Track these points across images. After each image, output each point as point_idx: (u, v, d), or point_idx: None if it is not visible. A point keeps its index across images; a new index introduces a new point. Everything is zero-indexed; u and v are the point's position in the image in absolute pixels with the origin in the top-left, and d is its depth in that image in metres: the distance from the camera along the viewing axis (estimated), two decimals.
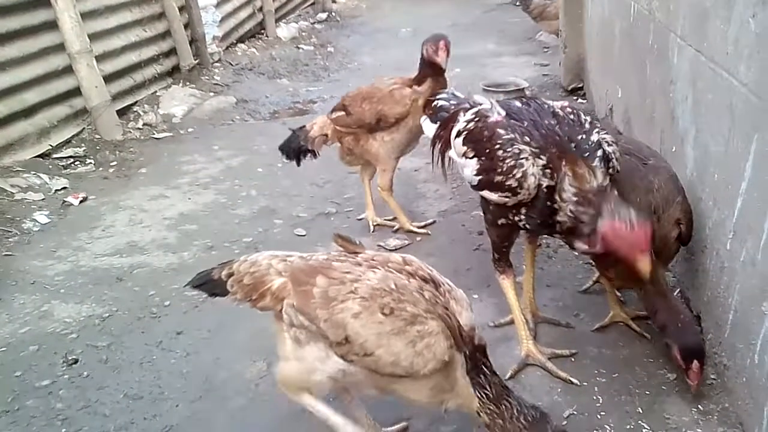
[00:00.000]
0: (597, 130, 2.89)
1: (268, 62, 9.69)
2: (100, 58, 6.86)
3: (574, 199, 2.75)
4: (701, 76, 3.13)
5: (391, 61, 9.62)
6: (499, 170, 2.90)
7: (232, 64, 9.37)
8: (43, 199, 5.44)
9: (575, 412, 2.93)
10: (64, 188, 5.65)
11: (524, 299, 3.52)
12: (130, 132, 7.01)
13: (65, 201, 5.41)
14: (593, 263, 3.45)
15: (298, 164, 4.72)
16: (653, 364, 3.18)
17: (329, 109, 4.64)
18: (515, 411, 2.32)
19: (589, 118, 2.98)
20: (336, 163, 4.84)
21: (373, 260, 2.45)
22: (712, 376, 3.02)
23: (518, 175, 2.83)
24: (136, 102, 7.50)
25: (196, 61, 8.61)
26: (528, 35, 10.28)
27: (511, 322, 3.39)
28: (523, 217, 2.98)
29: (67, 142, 6.41)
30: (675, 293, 3.50)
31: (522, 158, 2.82)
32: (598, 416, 2.90)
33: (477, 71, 8.46)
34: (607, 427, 2.84)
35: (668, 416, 2.86)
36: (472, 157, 3.07)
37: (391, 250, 4.35)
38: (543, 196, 2.84)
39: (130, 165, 6.25)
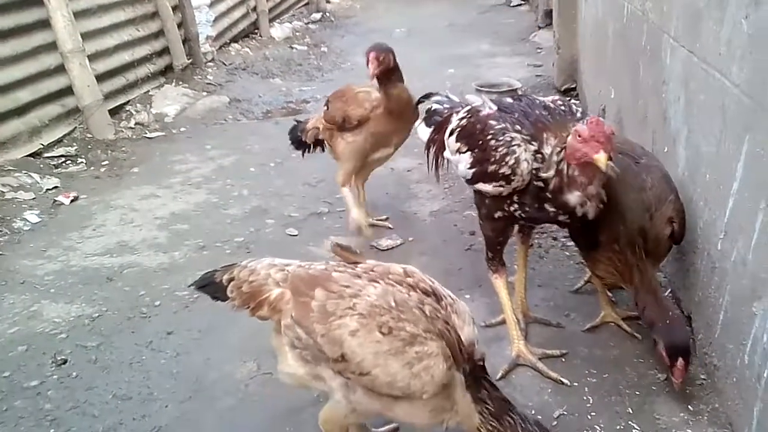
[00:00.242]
0: (588, 116, 2.90)
1: (262, 62, 9.66)
2: (93, 57, 6.82)
3: (558, 149, 2.76)
4: (694, 77, 3.13)
5: None
6: (492, 159, 2.91)
7: (225, 64, 9.35)
8: (33, 198, 5.41)
9: (565, 413, 2.93)
10: (56, 187, 5.62)
11: (516, 299, 3.51)
12: (123, 131, 6.98)
13: (56, 200, 5.38)
14: (585, 262, 3.45)
15: (303, 155, 4.88)
16: (644, 364, 3.17)
17: (322, 110, 4.63)
18: (519, 428, 2.27)
19: (580, 109, 3.01)
20: (329, 163, 4.83)
21: (373, 271, 2.39)
22: (703, 377, 3.02)
23: (511, 162, 2.84)
24: (128, 101, 7.46)
25: (189, 60, 8.58)
26: (522, 36, 10.28)
27: (503, 322, 3.39)
28: (517, 206, 2.98)
29: (58, 141, 6.38)
30: (666, 293, 3.51)
31: (514, 145, 2.84)
32: (589, 416, 2.89)
33: (471, 72, 8.45)
34: (598, 427, 2.83)
35: (658, 416, 2.86)
36: (465, 152, 3.09)
37: (383, 250, 4.35)
38: (535, 180, 2.85)
39: (121, 164, 6.22)
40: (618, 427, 2.82)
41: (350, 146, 4.31)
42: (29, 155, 6.02)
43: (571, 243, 3.87)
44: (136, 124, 7.18)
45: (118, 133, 6.91)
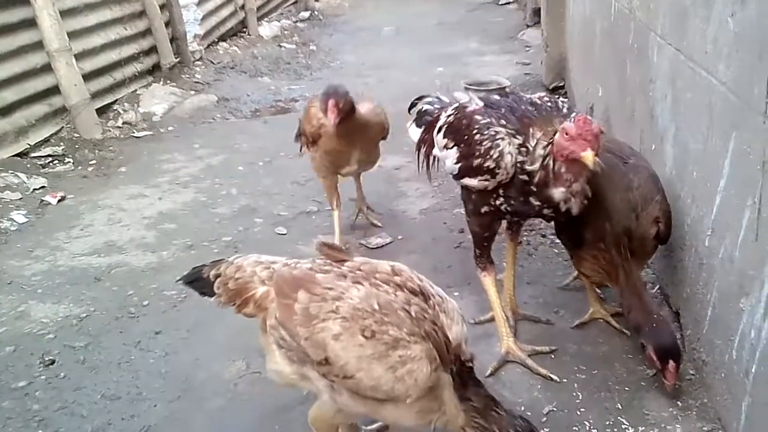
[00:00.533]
0: (575, 113, 2.91)
1: (250, 60, 9.63)
2: (80, 56, 6.78)
3: (543, 143, 2.78)
4: (681, 75, 3.14)
5: (374, 59, 9.62)
6: (477, 153, 2.93)
7: (213, 63, 9.32)
8: (20, 198, 5.37)
9: (555, 409, 2.94)
10: (42, 187, 5.58)
11: (505, 296, 3.52)
12: (110, 131, 6.94)
13: (43, 200, 5.35)
14: (572, 259, 3.45)
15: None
16: (632, 360, 3.18)
17: None
18: (504, 423, 2.25)
19: (567, 105, 3.02)
20: None
21: (360, 270, 2.37)
22: (691, 372, 3.04)
23: (495, 155, 2.86)
24: (115, 100, 7.42)
25: (177, 59, 8.54)
26: (511, 34, 10.29)
27: (492, 319, 3.39)
28: (503, 199, 2.98)
29: (45, 141, 6.34)
30: (654, 290, 3.53)
31: (498, 138, 2.86)
32: (578, 412, 2.91)
33: (459, 70, 8.46)
34: (587, 423, 2.84)
35: (647, 412, 2.87)
36: (452, 147, 3.11)
37: (372, 249, 4.35)
38: (520, 173, 2.86)
39: (109, 164, 6.19)
40: (607, 423, 2.83)
41: (314, 162, 4.23)
42: (16, 155, 5.98)
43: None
44: (123, 123, 7.14)
45: (106, 132, 6.87)
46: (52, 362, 3.46)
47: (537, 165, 2.79)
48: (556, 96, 3.16)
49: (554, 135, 2.73)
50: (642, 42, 3.82)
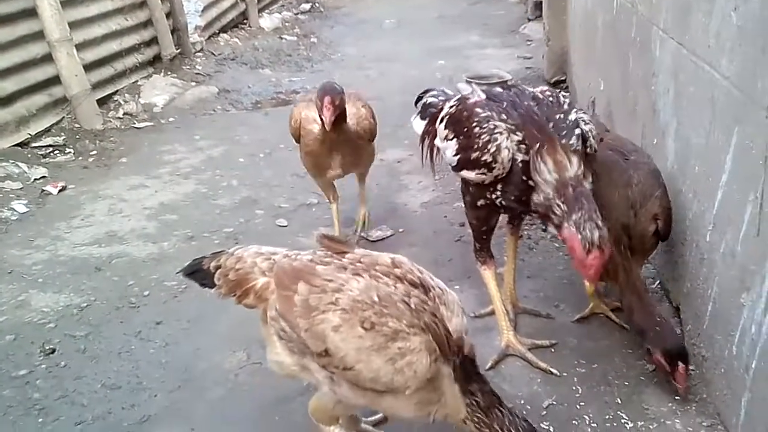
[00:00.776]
0: (575, 110, 2.93)
1: (251, 52, 9.61)
2: (81, 46, 6.77)
3: (554, 184, 2.75)
4: (683, 69, 3.14)
5: (375, 52, 9.60)
6: (475, 146, 2.93)
7: (214, 54, 9.30)
8: (21, 188, 5.37)
9: (555, 402, 2.94)
10: (43, 177, 5.58)
11: (505, 290, 3.52)
12: (111, 121, 6.93)
13: (44, 190, 5.35)
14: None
15: None
16: (632, 355, 3.19)
17: None
18: (506, 421, 2.25)
19: (568, 100, 3.02)
20: None
21: (360, 263, 2.36)
22: (691, 368, 3.02)
23: (492, 149, 2.85)
24: (116, 91, 7.41)
25: (178, 50, 8.53)
26: (512, 28, 10.27)
27: (492, 312, 3.40)
28: (499, 193, 2.99)
29: (46, 131, 6.33)
30: (654, 284, 3.53)
31: (497, 133, 2.86)
32: (578, 406, 2.91)
33: (461, 63, 8.44)
34: (587, 417, 2.85)
35: (647, 407, 2.88)
36: (452, 138, 3.11)
37: (373, 241, 4.35)
38: (518, 171, 2.85)
39: (110, 154, 6.18)
40: (607, 417, 2.84)
41: (301, 161, 4.13)
42: (16, 145, 5.98)
43: None
44: (124, 114, 7.13)
45: (106, 123, 6.86)
46: (53, 351, 3.47)
47: (540, 198, 2.80)
48: (558, 90, 3.15)
49: (560, 163, 2.73)
50: (644, 36, 3.82)
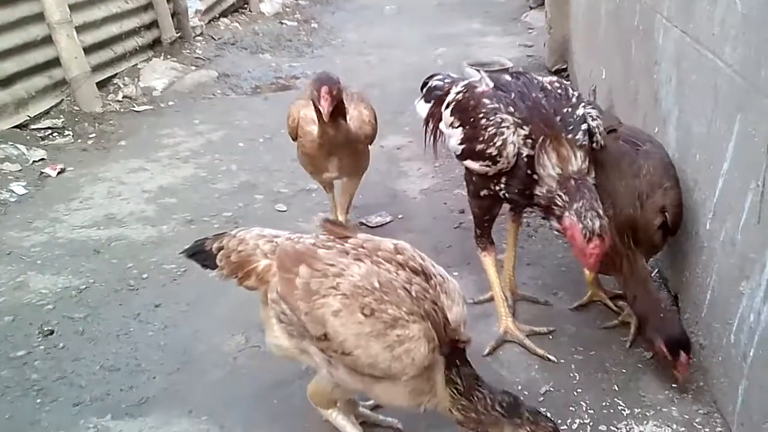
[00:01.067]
0: (583, 104, 2.92)
1: (251, 37, 9.58)
2: (81, 28, 6.74)
3: (557, 178, 2.75)
4: (686, 57, 3.12)
5: (375, 38, 9.59)
6: (481, 138, 2.92)
7: (214, 39, 9.26)
8: (20, 169, 5.36)
9: (552, 389, 2.95)
10: (42, 159, 5.57)
11: (504, 277, 3.53)
12: (110, 104, 6.91)
13: (43, 172, 5.34)
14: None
15: None
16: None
17: None
18: (488, 400, 2.25)
19: (576, 93, 3.00)
20: None
21: (362, 248, 2.36)
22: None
23: (498, 143, 2.85)
24: (116, 74, 7.39)
25: (178, 34, 8.50)
26: (513, 16, 10.24)
27: (491, 299, 3.40)
28: (503, 186, 2.99)
29: (45, 113, 6.31)
30: (653, 273, 3.53)
31: (503, 126, 2.84)
32: (575, 393, 2.92)
33: (462, 51, 8.42)
34: (584, 403, 2.86)
35: (644, 394, 2.89)
36: (457, 127, 3.09)
37: (372, 227, 4.35)
38: (523, 165, 2.85)
39: (109, 137, 6.17)
40: (604, 404, 2.85)
41: (298, 158, 4.01)
42: (15, 127, 5.95)
43: None
44: (123, 97, 7.11)
45: (106, 106, 6.84)
46: (51, 332, 3.47)
47: (543, 191, 2.81)
48: (567, 83, 3.12)
49: (565, 157, 2.75)
50: (647, 24, 3.80)
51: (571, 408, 2.84)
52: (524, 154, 2.82)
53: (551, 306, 3.51)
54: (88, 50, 6.85)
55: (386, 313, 2.17)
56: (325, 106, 3.33)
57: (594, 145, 2.89)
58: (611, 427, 2.74)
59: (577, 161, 2.76)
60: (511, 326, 3.24)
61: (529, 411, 2.23)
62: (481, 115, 2.93)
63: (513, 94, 2.93)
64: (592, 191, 2.70)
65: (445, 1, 11.73)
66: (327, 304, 2.21)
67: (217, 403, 2.96)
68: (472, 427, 2.29)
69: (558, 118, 2.84)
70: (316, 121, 3.55)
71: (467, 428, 2.31)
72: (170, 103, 7.14)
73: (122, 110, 6.86)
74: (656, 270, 3.62)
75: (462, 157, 3.09)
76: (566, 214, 2.69)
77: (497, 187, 3.02)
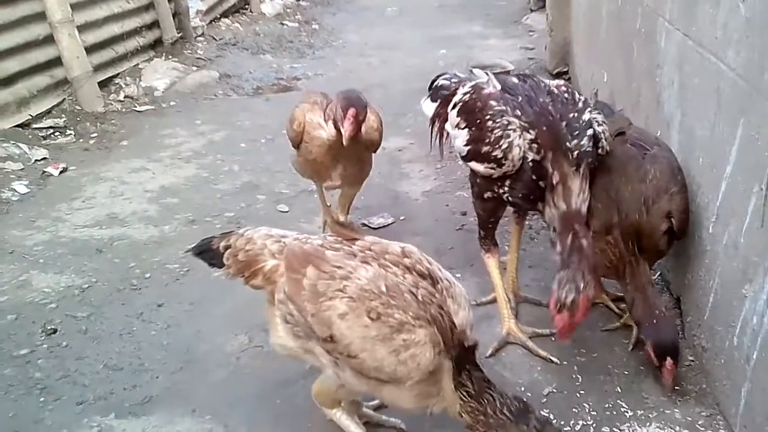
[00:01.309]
0: (589, 109, 2.94)
1: (252, 38, 9.59)
2: (82, 28, 6.74)
3: (560, 216, 2.83)
4: (689, 61, 3.14)
5: (377, 39, 9.60)
6: (487, 140, 2.93)
7: (215, 39, 9.27)
8: (22, 168, 5.36)
9: (555, 390, 2.96)
10: (44, 159, 5.57)
11: (507, 278, 3.54)
12: (112, 104, 6.92)
13: (45, 171, 5.35)
14: None
15: None
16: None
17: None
18: (497, 404, 2.25)
19: (583, 98, 3.02)
20: None
21: (370, 250, 2.37)
22: (690, 358, 3.06)
23: (504, 146, 2.86)
24: (117, 74, 7.39)
25: (179, 34, 8.51)
26: (514, 18, 10.26)
27: (493, 300, 3.41)
28: (507, 189, 3.01)
29: (47, 113, 6.32)
30: (655, 276, 3.53)
31: (510, 129, 2.86)
32: (578, 394, 2.93)
33: (463, 53, 8.44)
34: (586, 405, 2.87)
35: (646, 396, 2.90)
36: (463, 128, 3.10)
37: (374, 229, 4.36)
38: (528, 169, 2.87)
39: (111, 137, 6.17)
40: (606, 406, 2.86)
41: (297, 165, 3.94)
42: (17, 126, 5.96)
43: None
44: (125, 97, 7.12)
45: (107, 105, 6.85)
46: (54, 331, 3.47)
47: (549, 218, 2.88)
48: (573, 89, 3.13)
49: (569, 190, 2.81)
50: (650, 27, 3.81)
51: (574, 410, 2.85)
52: (530, 159, 2.84)
53: None
54: (90, 50, 6.86)
55: (392, 317, 2.18)
56: (348, 130, 3.29)
57: (599, 150, 2.92)
58: (614, 429, 2.75)
59: (576, 190, 2.81)
60: (513, 328, 3.25)
61: (537, 419, 2.23)
62: (487, 117, 2.94)
63: (520, 98, 2.95)
64: (582, 259, 2.73)
65: (447, 3, 11.76)
66: (334, 306, 2.22)
67: (221, 403, 2.97)
68: (481, 431, 2.29)
69: (564, 123, 2.86)
70: (324, 127, 3.50)
71: None
72: (172, 103, 7.15)
73: (124, 110, 6.86)
74: (658, 273, 3.63)
75: (467, 158, 3.11)
76: (556, 274, 2.77)
77: (501, 190, 3.03)
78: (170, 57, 8.16)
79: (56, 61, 6.47)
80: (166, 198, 4.97)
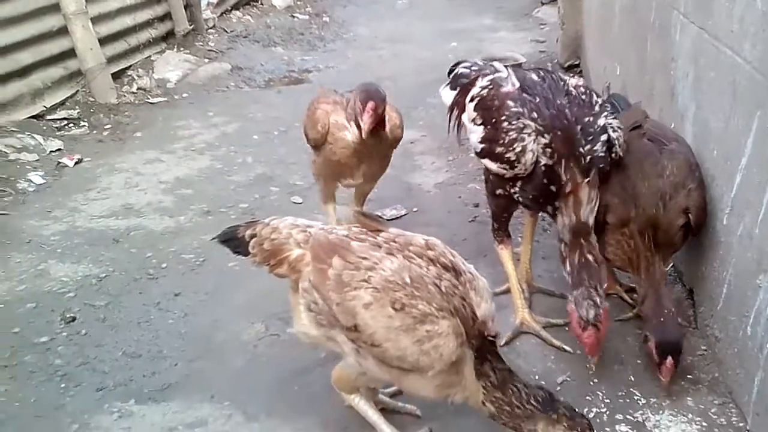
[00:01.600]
0: (605, 113, 2.97)
1: (263, 30, 9.61)
2: (95, 20, 6.77)
3: (569, 228, 2.92)
4: (704, 54, 3.15)
5: (387, 32, 9.61)
6: (501, 141, 2.96)
7: (226, 31, 9.29)
8: (37, 159, 5.41)
9: (569, 379, 3.00)
10: (59, 150, 5.62)
11: (521, 269, 3.57)
12: (125, 96, 6.96)
13: (60, 162, 5.39)
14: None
15: None
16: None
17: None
18: (523, 395, 2.28)
19: (600, 101, 3.04)
20: None
21: (394, 242, 2.41)
22: (703, 347, 3.09)
23: (518, 149, 2.89)
24: (130, 66, 7.43)
25: (191, 26, 8.53)
26: (525, 11, 10.24)
27: (507, 291, 3.44)
28: (518, 189, 3.05)
29: (61, 104, 6.37)
30: (668, 267, 3.54)
31: (525, 133, 2.89)
32: (591, 383, 2.97)
33: (474, 46, 8.43)
34: (600, 393, 2.91)
35: (659, 385, 2.92)
36: (479, 124, 3.12)
37: (388, 220, 4.38)
38: (540, 173, 2.91)
39: (124, 128, 6.22)
40: (620, 394, 2.90)
41: (314, 167, 3.83)
42: (32, 117, 6.00)
43: None
44: (138, 89, 7.16)
45: (121, 97, 6.89)
46: (73, 319, 3.52)
47: (560, 227, 2.96)
48: (571, 75, 3.16)
49: (579, 201, 2.90)
50: (664, 20, 3.82)
51: (587, 398, 2.89)
52: (542, 163, 2.89)
53: (567, 298, 3.53)
54: (103, 42, 6.88)
55: (416, 308, 2.22)
56: (367, 122, 3.26)
57: (613, 155, 2.97)
58: (627, 417, 2.78)
59: (585, 201, 2.89)
60: (527, 317, 3.29)
61: (564, 407, 2.27)
62: (503, 118, 2.96)
63: (538, 98, 2.96)
64: (593, 275, 2.86)
65: None
66: (358, 296, 2.26)
67: (239, 390, 3.01)
68: (505, 421, 2.33)
69: (579, 127, 2.89)
70: (348, 127, 3.46)
71: (499, 421, 2.35)
72: (184, 95, 7.18)
73: (137, 102, 6.91)
74: (671, 264, 3.65)
75: (481, 155, 3.14)
76: (569, 297, 2.88)
77: (512, 190, 3.08)
78: (182, 49, 8.19)
79: (70, 53, 6.52)
80: (180, 189, 5.01)
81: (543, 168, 2.89)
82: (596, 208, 2.94)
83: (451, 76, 3.70)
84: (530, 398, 2.28)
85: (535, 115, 2.91)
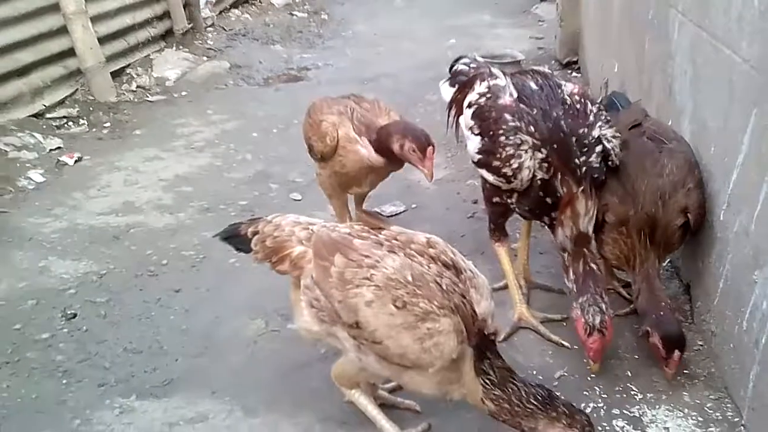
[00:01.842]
0: (600, 124, 2.99)
1: (262, 28, 9.63)
2: (95, 19, 6.77)
3: (570, 239, 2.96)
4: (701, 52, 3.17)
5: (385, 29, 9.63)
6: (498, 155, 2.98)
7: (225, 29, 9.32)
8: (37, 157, 5.42)
9: (566, 374, 3.03)
10: (59, 148, 5.63)
11: (518, 265, 3.59)
12: (124, 94, 6.97)
13: (60, 160, 5.41)
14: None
15: None
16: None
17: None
18: (523, 393, 2.30)
19: (595, 109, 3.05)
20: None
21: (396, 240, 2.44)
22: (699, 343, 3.12)
23: (514, 166, 2.92)
24: (129, 64, 7.43)
25: (190, 25, 8.54)
26: (524, 8, 10.26)
27: (505, 287, 3.47)
28: (514, 201, 3.09)
29: (60, 103, 6.37)
30: (665, 262, 3.57)
31: (522, 150, 2.91)
32: (589, 378, 2.99)
33: (473, 42, 8.44)
34: (597, 388, 2.93)
35: (656, 380, 2.96)
36: (476, 134, 3.14)
37: (388, 216, 4.41)
38: (537, 187, 2.95)
39: (124, 126, 6.23)
40: (617, 389, 2.92)
41: (320, 179, 3.82)
42: (31, 115, 6.01)
43: None
44: (137, 87, 7.17)
45: (120, 95, 6.90)
46: (74, 316, 3.54)
47: (561, 240, 3.01)
48: (569, 71, 3.17)
49: (577, 214, 2.95)
50: (662, 18, 3.84)
51: (585, 393, 2.91)
52: (539, 177, 2.92)
53: (565, 294, 3.55)
54: (102, 40, 6.88)
55: (418, 306, 2.25)
56: (430, 168, 3.27)
57: (609, 164, 3.01)
58: (624, 411, 2.81)
59: (582, 211, 2.93)
60: (525, 313, 3.31)
61: (564, 404, 2.29)
62: (500, 132, 2.97)
63: (535, 110, 2.97)
64: (597, 282, 2.91)
65: None
66: (360, 294, 2.28)
67: (240, 385, 3.03)
68: (504, 419, 2.35)
69: (574, 139, 2.92)
70: (359, 141, 3.44)
71: (499, 419, 2.37)
72: (183, 93, 7.19)
73: (136, 100, 6.92)
74: (668, 260, 3.68)
75: (478, 165, 3.17)
76: (573, 304, 2.92)
77: (509, 200, 3.12)
78: (181, 47, 8.20)
79: (69, 52, 6.52)
80: (180, 186, 5.03)
81: (539, 182, 2.93)
82: (594, 217, 2.98)
83: (451, 70, 3.73)
84: (530, 396, 2.30)
85: (532, 129, 2.93)
